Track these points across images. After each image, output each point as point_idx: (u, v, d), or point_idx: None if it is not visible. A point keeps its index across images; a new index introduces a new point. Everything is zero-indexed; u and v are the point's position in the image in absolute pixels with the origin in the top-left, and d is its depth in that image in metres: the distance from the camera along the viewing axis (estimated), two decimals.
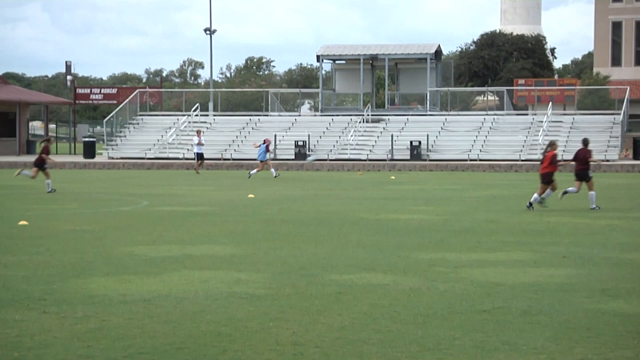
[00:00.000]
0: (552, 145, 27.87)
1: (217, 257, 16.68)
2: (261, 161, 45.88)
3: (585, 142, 28.74)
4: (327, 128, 64.18)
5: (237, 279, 14.24)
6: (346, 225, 22.68)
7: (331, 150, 61.16)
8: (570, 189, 28.02)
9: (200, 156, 52.60)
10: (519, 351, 9.58)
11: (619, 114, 61.76)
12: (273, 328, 10.66)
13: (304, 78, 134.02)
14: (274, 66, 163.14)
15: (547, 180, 27.21)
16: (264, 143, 46.50)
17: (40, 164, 34.15)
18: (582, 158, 28.02)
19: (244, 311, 11.66)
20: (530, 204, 26.86)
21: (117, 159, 62.28)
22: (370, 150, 60.89)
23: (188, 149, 60.37)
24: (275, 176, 45.08)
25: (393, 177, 47.44)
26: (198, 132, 54.04)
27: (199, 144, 52.72)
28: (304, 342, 10.00)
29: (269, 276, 14.51)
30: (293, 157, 60.01)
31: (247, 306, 11.99)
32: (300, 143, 60.54)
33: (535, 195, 27.12)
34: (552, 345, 9.81)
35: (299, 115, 69.63)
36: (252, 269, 15.29)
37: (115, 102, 73.76)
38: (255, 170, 45.56)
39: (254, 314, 11.45)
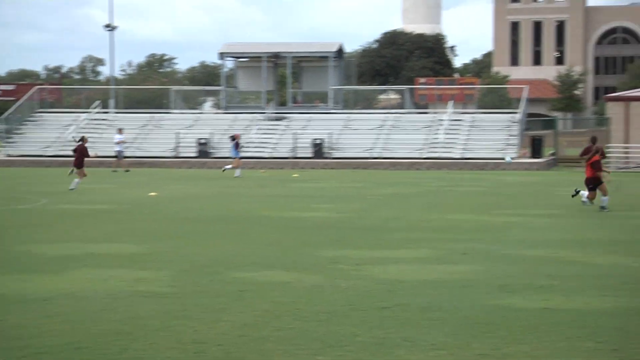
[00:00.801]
0: (597, 150, 27.64)
1: (119, 256, 16.53)
2: (235, 158, 46.10)
3: (594, 139, 28.90)
4: (230, 126, 63.97)
5: (139, 277, 14.14)
6: (249, 223, 22.66)
7: None
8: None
9: (120, 154, 52.23)
10: (419, 347, 9.70)
11: (518, 112, 62.79)
12: (175, 326, 10.62)
13: (206, 75, 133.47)
14: (176, 63, 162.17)
15: (594, 184, 27.54)
16: (233, 140, 46.77)
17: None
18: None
19: (146, 310, 11.59)
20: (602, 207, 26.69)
21: (15, 156, 61.23)
22: (273, 148, 60.90)
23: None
24: (235, 174, 44.97)
25: (296, 175, 47.52)
26: (119, 130, 53.94)
27: (120, 142, 52.44)
28: (205, 340, 9.98)
29: (172, 274, 14.44)
30: (195, 155, 59.69)
31: (149, 305, 11.92)
32: (202, 141, 60.26)
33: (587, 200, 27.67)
34: (451, 341, 9.96)
35: (202, 113, 69.24)
36: (154, 267, 15.20)
37: (13, 98, 72.50)
38: (230, 166, 45.88)
39: (156, 313, 11.39)
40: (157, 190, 33.95)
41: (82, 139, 36.74)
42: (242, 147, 49.98)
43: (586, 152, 28.41)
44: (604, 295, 12.68)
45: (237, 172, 45.37)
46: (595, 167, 27.15)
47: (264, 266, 15.34)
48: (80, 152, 35.37)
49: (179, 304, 11.96)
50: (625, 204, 29.15)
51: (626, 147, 57.66)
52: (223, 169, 46.40)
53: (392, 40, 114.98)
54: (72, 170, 35.81)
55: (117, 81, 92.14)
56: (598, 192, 27.40)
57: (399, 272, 14.82)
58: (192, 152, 60.11)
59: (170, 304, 11.96)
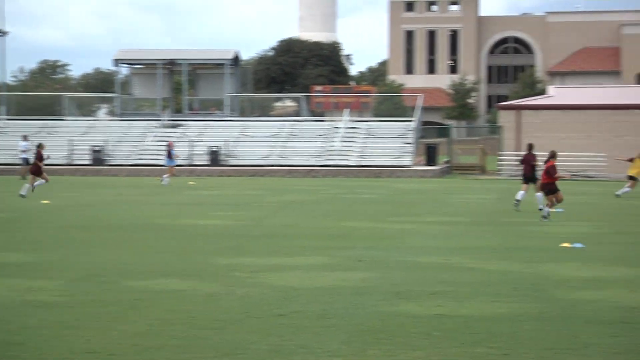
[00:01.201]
0: (553, 156, 27.75)
1: (9, 265, 16.21)
2: (169, 166, 46.02)
3: (530, 146, 30.63)
4: (125, 133, 63.35)
5: (29, 286, 13.87)
6: (144, 231, 22.45)
7: (129, 155, 60.41)
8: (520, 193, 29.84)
9: (26, 161, 51.36)
10: (315, 354, 9.70)
11: (413, 120, 63.46)
12: (67, 336, 10.44)
13: (101, 82, 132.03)
14: (70, 70, 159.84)
15: (549, 190, 27.31)
16: (168, 147, 46.64)
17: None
18: (528, 161, 30.03)
19: (37, 319, 11.37)
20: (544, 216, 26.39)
21: None
22: None
23: None
24: (164, 183, 44.52)
25: (192, 183, 47.25)
26: (24, 137, 53.23)
27: (25, 151, 51.74)
28: (98, 349, 9.84)
29: (64, 283, 14.21)
30: (90, 162, 58.94)
31: (41, 314, 11.71)
32: (97, 148, 59.55)
33: (546, 208, 26.81)
34: (346, 348, 9.99)
35: (96, 120, 68.44)
36: (45, 276, 14.93)
37: None
38: (167, 176, 45.44)
39: (47, 322, 11.19)
40: (49, 198, 33.40)
41: (40, 146, 36.87)
42: (177, 155, 49.68)
43: (524, 160, 30.24)
44: (496, 301, 12.86)
45: (165, 179, 44.96)
46: (551, 172, 27.11)
47: (159, 274, 15.20)
48: (39, 159, 35.50)
49: (71, 314, 11.77)
50: (519, 211, 29.64)
51: (518, 155, 58.66)
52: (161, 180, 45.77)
53: (289, 48, 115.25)
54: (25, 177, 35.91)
55: (8, 87, 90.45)
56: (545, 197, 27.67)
57: (295, 279, 14.82)
58: (86, 159, 59.33)
59: (62, 314, 11.77)
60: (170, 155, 46.42)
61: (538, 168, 30.26)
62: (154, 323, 11.21)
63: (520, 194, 30.05)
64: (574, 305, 12.52)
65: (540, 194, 28.94)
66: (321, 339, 10.43)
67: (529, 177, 30.26)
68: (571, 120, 58.80)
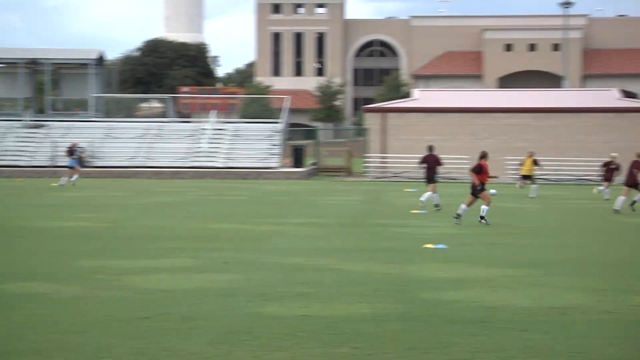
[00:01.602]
0: (484, 156, 26.95)
1: None
2: (72, 167, 45.69)
3: (431, 148, 31.43)
4: None
5: None
6: (4, 233, 21.96)
7: None
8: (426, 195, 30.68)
9: None
10: (179, 357, 9.65)
11: (280, 122, 63.63)
12: None
13: None
14: None
15: (477, 190, 26.22)
16: (70, 149, 45.86)
17: None
18: (430, 162, 30.82)
19: None
20: (457, 215, 26.13)
21: None
22: (31, 157, 59.27)
23: None
24: (62, 184, 44.13)
25: (56, 184, 46.41)
26: None
27: None
28: None
29: None
30: None
31: None
32: None
33: (464, 206, 26.19)
34: (211, 350, 9.97)
35: None
36: None
37: None
38: (75, 177, 45.19)
39: None
40: None
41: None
42: (80, 156, 49.08)
43: (426, 161, 31.01)
44: (360, 301, 13.00)
45: (63, 180, 44.35)
46: (483, 172, 26.30)
47: (20, 277, 14.89)
48: None
49: None
50: (384, 213, 29.99)
51: (383, 157, 59.40)
52: (72, 183, 45.01)
53: (155, 48, 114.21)
54: None
55: None
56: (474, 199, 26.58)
57: (160, 281, 14.71)
58: None
59: None
60: (73, 155, 45.94)
61: (439, 170, 31.33)
62: (14, 327, 10.99)
63: (425, 196, 30.85)
64: (436, 306, 12.75)
65: (436, 195, 30.41)
66: (186, 341, 10.39)
67: (430, 177, 30.98)
68: (435, 123, 59.82)
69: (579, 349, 10.20)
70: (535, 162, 41.49)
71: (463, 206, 26.09)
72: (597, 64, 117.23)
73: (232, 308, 12.44)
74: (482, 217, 25.73)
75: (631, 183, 30.76)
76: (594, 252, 19.69)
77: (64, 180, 44.74)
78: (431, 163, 31.02)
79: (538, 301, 13.15)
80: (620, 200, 30.47)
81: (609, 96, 65.56)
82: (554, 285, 14.68)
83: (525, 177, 41.47)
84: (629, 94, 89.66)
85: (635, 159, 31.30)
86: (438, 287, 14.35)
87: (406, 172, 57.69)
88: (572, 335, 10.87)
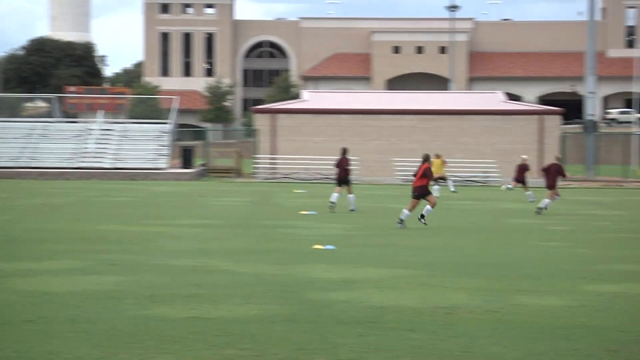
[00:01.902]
0: (427, 159, 26.11)
1: None
2: None
3: (344, 151, 32.30)
4: None
5: None
6: None
7: None
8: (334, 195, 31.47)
9: None
10: None
11: (168, 123, 63.18)
12: None
13: None
14: None
15: (419, 194, 25.55)
16: None
17: None
18: (342, 165, 31.52)
19: None
20: (422, 216, 25.62)
21: None
22: None
23: None
24: None
25: None
26: None
27: None
28: None
29: None
30: None
31: None
32: None
33: (406, 211, 25.58)
34: (96, 353, 9.83)
35: None
36: None
37: None
38: None
39: None
40: None
41: None
42: None
43: (339, 164, 31.90)
44: (249, 303, 12.98)
45: None
46: (428, 174, 25.59)
47: None
48: None
49: None
50: (273, 214, 30.02)
51: (273, 158, 59.45)
52: None
53: (40, 47, 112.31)
54: None
55: None
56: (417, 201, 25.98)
57: (45, 284, 14.46)
58: None
59: None
60: None
61: (350, 172, 32.17)
62: None
63: (334, 197, 31.45)
64: (324, 306, 12.79)
65: (352, 196, 31.36)
66: (71, 344, 10.23)
67: (342, 179, 31.61)
68: (324, 124, 60.10)
69: (464, 347, 10.35)
70: (443, 163, 43.24)
71: (405, 211, 25.64)
72: (482, 67, 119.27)
73: (119, 310, 12.29)
74: (422, 216, 25.46)
75: (551, 184, 31.86)
76: (479, 253, 20.02)
77: None
78: (343, 166, 31.73)
79: (425, 301, 13.31)
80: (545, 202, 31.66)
81: (494, 99, 66.75)
82: (440, 285, 14.87)
83: (440, 179, 42.10)
84: (513, 97, 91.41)
85: (554, 162, 32.97)
86: (326, 288, 14.41)
87: (296, 173, 57.85)
88: (457, 335, 11.02)
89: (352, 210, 31.13)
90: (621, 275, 16.30)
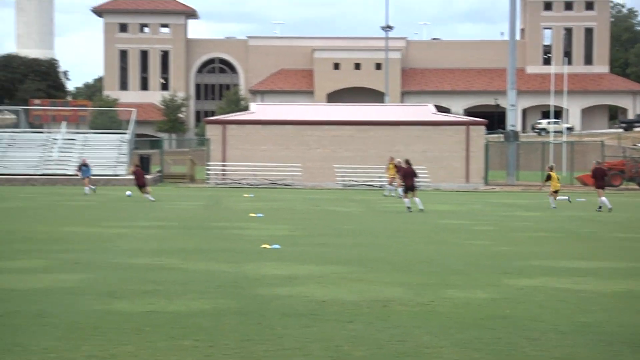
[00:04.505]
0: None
1: None
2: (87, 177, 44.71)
3: (408, 162, 33.78)
4: None
5: None
6: None
7: None
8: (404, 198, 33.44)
9: None
10: (30, 352, 9.40)
11: (127, 133, 62.75)
12: None
13: None
14: None
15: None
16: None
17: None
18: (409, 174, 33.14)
19: None
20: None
21: None
22: None
23: None
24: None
25: None
26: None
27: None
28: None
29: None
30: None
31: None
32: None
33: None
34: (61, 345, 9.74)
35: None
36: None
37: None
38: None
39: None
40: None
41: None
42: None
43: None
44: (202, 298, 12.93)
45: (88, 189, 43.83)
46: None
47: None
48: None
49: None
50: (224, 216, 29.89)
51: (224, 165, 59.28)
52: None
53: (7, 63, 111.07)
54: None
55: None
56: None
57: (11, 281, 14.29)
58: None
59: None
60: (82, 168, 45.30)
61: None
62: None
63: (407, 202, 32.94)
64: (271, 300, 12.79)
65: (419, 199, 33.10)
66: (37, 337, 10.12)
67: (409, 187, 33.01)
68: (271, 134, 60.02)
69: (399, 337, 10.39)
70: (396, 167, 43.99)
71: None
72: (414, 82, 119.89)
73: (81, 305, 12.19)
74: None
75: (601, 185, 34.98)
76: (412, 251, 20.11)
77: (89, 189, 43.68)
78: (409, 174, 33.29)
79: (362, 295, 13.34)
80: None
81: (425, 110, 67.11)
82: (377, 280, 14.92)
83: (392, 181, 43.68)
84: (442, 109, 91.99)
85: (597, 166, 36.03)
86: (273, 284, 14.40)
87: (244, 179, 57.72)
88: (393, 326, 11.07)
89: (421, 210, 32.42)
90: (540, 271, 16.48)
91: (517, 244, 21.88)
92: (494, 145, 73.08)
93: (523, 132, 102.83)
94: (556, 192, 36.54)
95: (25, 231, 23.31)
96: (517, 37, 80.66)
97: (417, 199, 32.92)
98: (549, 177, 36.42)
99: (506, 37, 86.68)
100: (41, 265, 16.45)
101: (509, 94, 67.63)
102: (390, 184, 44.69)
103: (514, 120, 68.01)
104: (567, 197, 39.45)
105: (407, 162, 33.71)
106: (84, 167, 45.87)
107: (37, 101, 76.20)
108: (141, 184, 39.61)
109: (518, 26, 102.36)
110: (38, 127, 73.52)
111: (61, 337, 10.14)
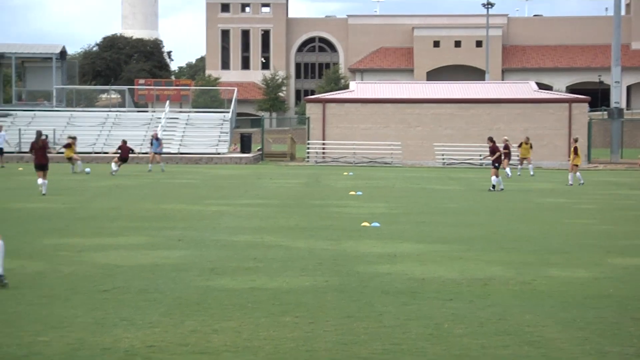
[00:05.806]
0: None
1: None
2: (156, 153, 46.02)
3: (491, 139, 34.00)
4: None
5: None
6: None
7: None
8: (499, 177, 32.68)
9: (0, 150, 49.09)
10: (136, 326, 9.60)
11: (228, 112, 63.35)
12: None
13: None
14: None
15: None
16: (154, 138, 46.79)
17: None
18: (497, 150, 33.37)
19: None
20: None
21: None
22: None
23: None
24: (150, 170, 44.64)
25: (21, 169, 45.86)
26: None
27: None
28: None
29: None
30: None
31: None
32: None
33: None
34: (165, 320, 9.92)
35: None
36: None
37: None
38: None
39: None
40: None
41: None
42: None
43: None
44: (303, 275, 13.02)
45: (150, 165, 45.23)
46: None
47: None
48: None
49: None
50: (324, 194, 29.97)
51: (324, 143, 59.43)
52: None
53: (113, 44, 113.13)
54: None
55: None
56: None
57: (118, 257, 14.61)
58: None
59: None
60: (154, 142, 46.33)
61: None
62: None
63: (494, 179, 32.42)
64: (371, 278, 12.80)
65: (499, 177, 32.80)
66: (142, 311, 10.33)
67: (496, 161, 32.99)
68: (370, 112, 59.91)
69: (499, 316, 10.30)
70: (530, 146, 45.82)
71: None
72: (515, 59, 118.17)
73: (184, 281, 12.39)
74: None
75: None
76: (512, 229, 19.89)
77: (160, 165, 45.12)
78: (502, 151, 34.41)
79: (462, 273, 13.26)
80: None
81: (526, 88, 66.09)
82: (476, 259, 14.81)
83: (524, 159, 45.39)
84: (544, 87, 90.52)
85: None
86: (373, 262, 14.41)
87: (344, 157, 57.81)
88: (493, 304, 10.98)
89: (502, 189, 32.14)
90: None
91: (620, 222, 21.45)
92: (597, 122, 71.62)
93: (628, 110, 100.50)
94: None
95: (129, 208, 23.77)
96: (622, 12, 78.80)
97: (502, 176, 33.34)
98: None
99: (610, 13, 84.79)
100: (145, 242, 16.77)
101: (613, 70, 66.14)
102: (529, 164, 45.31)
103: (618, 98, 66.53)
104: None
105: (491, 139, 33.76)
106: (155, 140, 46.44)
107: (141, 81, 77.46)
108: (124, 158, 41.87)
109: (623, 1, 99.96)
110: (142, 106, 74.81)
111: (165, 312, 10.33)
